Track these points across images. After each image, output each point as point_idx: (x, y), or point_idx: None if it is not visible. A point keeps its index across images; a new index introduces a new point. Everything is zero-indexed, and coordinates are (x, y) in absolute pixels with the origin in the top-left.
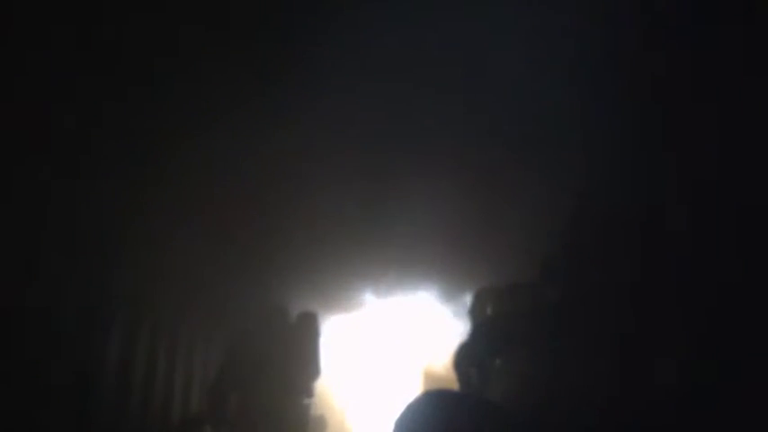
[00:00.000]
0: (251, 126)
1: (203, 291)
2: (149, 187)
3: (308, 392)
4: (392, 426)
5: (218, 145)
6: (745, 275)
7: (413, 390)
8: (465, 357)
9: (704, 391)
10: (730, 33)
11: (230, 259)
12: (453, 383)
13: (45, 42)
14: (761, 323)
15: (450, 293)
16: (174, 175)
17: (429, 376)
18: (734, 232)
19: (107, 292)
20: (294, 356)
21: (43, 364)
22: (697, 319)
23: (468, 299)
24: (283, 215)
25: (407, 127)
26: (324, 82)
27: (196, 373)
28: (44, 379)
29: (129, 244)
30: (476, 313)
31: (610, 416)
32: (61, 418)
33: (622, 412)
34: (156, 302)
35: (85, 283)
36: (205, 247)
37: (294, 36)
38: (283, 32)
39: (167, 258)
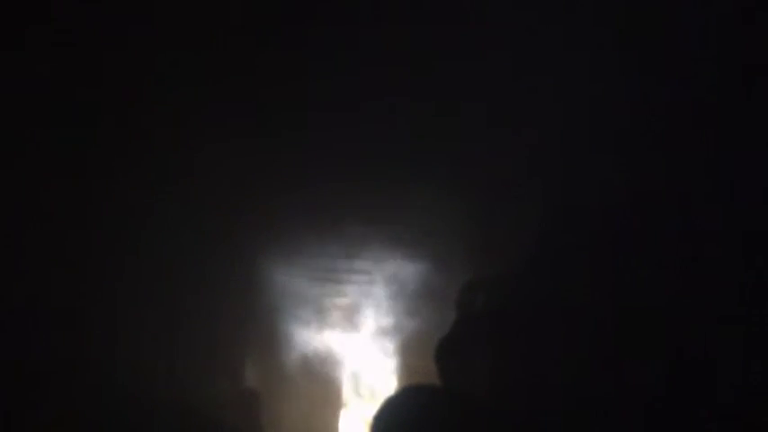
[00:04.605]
0: None
1: None
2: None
3: None
4: (372, 420)
5: None
6: None
7: (394, 382)
8: (447, 351)
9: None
10: None
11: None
12: (434, 377)
13: None
14: None
15: (434, 286)
16: None
17: (410, 369)
18: None
19: None
20: None
21: None
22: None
23: (453, 291)
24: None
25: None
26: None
27: None
28: None
29: None
30: (461, 307)
31: (584, 411)
32: None
33: (597, 408)
34: None
35: None
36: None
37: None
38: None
39: None
